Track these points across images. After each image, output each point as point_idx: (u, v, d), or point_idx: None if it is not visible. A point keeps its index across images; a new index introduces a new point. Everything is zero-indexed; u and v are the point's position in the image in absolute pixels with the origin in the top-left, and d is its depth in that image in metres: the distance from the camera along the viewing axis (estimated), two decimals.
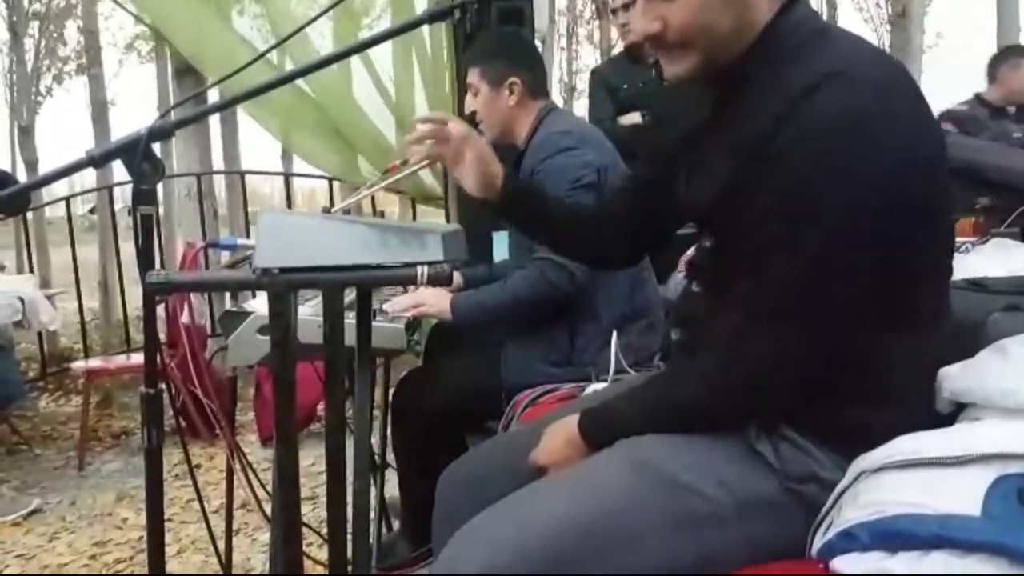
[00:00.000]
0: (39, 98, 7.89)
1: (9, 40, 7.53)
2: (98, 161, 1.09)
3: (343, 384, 1.01)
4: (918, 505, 0.86)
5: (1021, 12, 5.73)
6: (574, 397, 1.66)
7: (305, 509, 2.59)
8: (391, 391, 2.25)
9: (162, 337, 1.84)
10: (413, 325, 1.94)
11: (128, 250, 1.77)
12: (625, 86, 3.16)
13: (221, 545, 1.87)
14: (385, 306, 1.97)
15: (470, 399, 1.97)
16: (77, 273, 4.69)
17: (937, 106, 1.03)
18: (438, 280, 0.91)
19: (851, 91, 0.94)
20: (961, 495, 0.84)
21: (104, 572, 2.51)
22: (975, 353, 1.07)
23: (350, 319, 1.08)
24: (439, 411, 2.00)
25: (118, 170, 2.73)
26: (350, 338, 1.04)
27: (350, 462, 1.02)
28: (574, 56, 10.94)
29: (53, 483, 3.32)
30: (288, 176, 6.62)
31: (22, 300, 3.39)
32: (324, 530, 1.06)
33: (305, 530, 1.16)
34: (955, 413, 1.05)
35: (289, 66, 3.47)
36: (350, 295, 1.33)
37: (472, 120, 2.03)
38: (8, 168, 6.31)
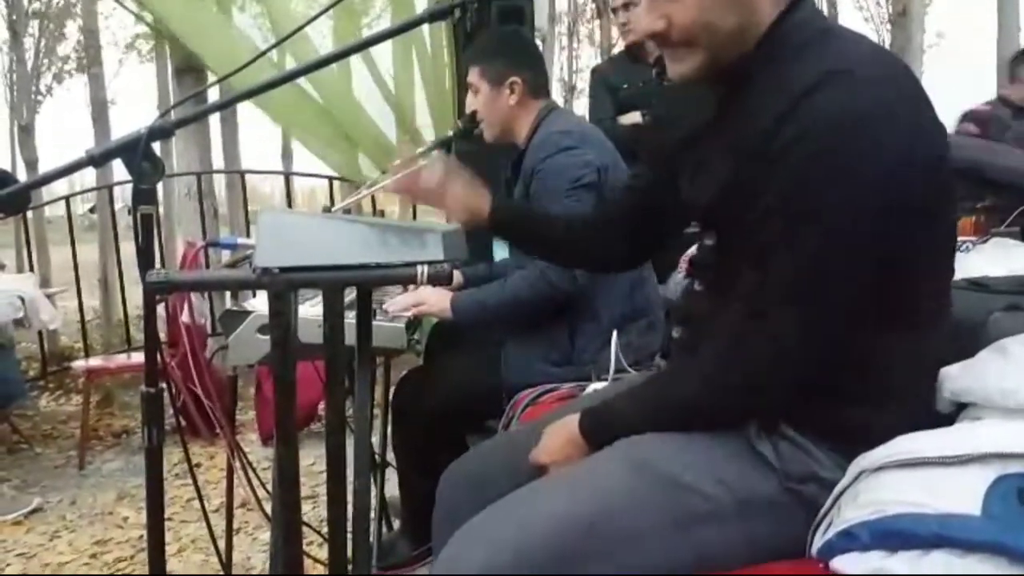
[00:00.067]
0: (39, 97, 7.87)
1: (9, 39, 7.51)
2: (98, 160, 1.09)
3: (343, 383, 1.01)
4: (918, 504, 0.86)
5: (1021, 12, 5.73)
6: (574, 397, 1.66)
7: (305, 508, 2.59)
8: (391, 390, 2.25)
9: (162, 336, 1.84)
10: (413, 324, 1.94)
11: (128, 249, 1.77)
12: (625, 85, 3.15)
13: (221, 544, 1.87)
14: (385, 305, 1.97)
15: (470, 398, 1.97)
16: (77, 272, 4.69)
17: (937, 106, 1.02)
18: (438, 279, 0.91)
19: (852, 90, 0.93)
20: (961, 495, 0.84)
21: (105, 571, 2.52)
22: (975, 353, 1.07)
23: (350, 318, 1.08)
24: (439, 410, 2.00)
25: (118, 169, 2.73)
26: (350, 337, 1.04)
27: (350, 461, 1.02)
28: (574, 55, 10.93)
29: (54, 482, 3.32)
30: (288, 175, 6.63)
31: (22, 299, 3.39)
32: (324, 529, 1.06)
33: (305, 529, 1.16)
34: (955, 413, 1.05)
35: (290, 65, 3.47)
36: (350, 294, 1.33)
37: (473, 119, 2.03)
38: (8, 167, 6.32)
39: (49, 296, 3.83)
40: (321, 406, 3.13)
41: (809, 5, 1.06)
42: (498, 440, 1.54)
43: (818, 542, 0.95)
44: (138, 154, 1.04)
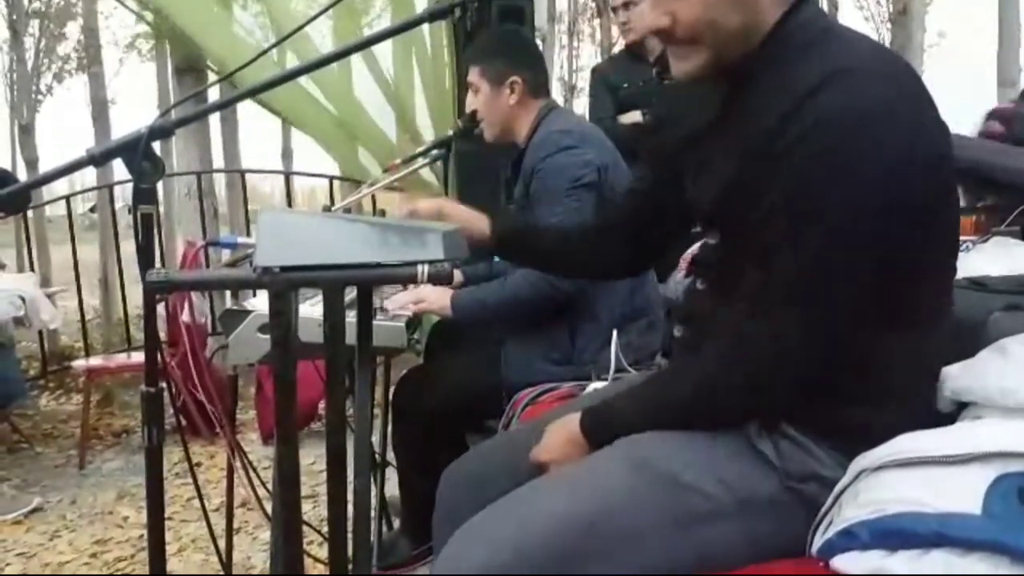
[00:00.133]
0: (39, 96, 7.87)
1: (9, 38, 7.51)
2: (98, 160, 1.09)
3: (344, 383, 1.01)
4: (918, 503, 0.86)
5: (1022, 12, 5.73)
6: (574, 396, 1.66)
7: (306, 508, 2.60)
8: (392, 390, 2.25)
9: (163, 336, 1.84)
10: (414, 324, 1.94)
11: (128, 249, 1.77)
12: (626, 85, 3.15)
13: (222, 544, 1.87)
14: (386, 303, 1.97)
15: (470, 398, 1.97)
16: (77, 271, 4.69)
17: (937, 106, 1.02)
18: (439, 279, 0.91)
19: (853, 89, 0.93)
20: (961, 494, 0.84)
21: (105, 571, 2.52)
22: (976, 352, 1.07)
23: (351, 318, 1.07)
24: (439, 410, 2.00)
25: (118, 169, 2.74)
26: (351, 337, 1.04)
27: (351, 461, 1.02)
28: (574, 54, 10.92)
29: (54, 481, 3.32)
30: (288, 175, 6.62)
31: (23, 298, 3.39)
32: (325, 528, 1.06)
33: (306, 529, 1.15)
34: (956, 412, 1.05)
35: (291, 63, 3.48)
36: (351, 294, 1.33)
37: (473, 118, 2.03)
38: (8, 167, 6.31)
39: (49, 295, 3.83)
40: (321, 405, 3.13)
41: (812, 5, 1.06)
42: (498, 439, 1.54)
43: (818, 541, 0.95)
44: (138, 153, 1.04)
